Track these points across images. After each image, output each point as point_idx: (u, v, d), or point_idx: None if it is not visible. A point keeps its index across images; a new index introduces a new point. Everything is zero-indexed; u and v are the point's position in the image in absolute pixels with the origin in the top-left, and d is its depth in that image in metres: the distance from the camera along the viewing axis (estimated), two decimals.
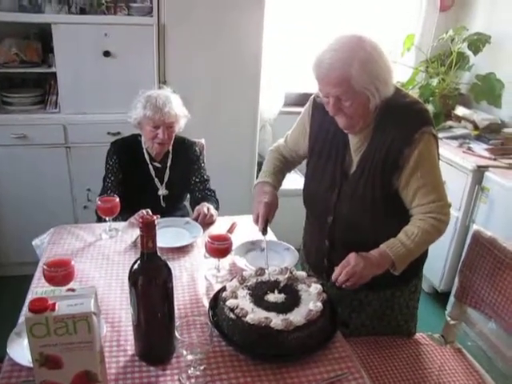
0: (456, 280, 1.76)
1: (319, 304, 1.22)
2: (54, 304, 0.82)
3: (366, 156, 1.42)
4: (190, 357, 1.06)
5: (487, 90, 3.02)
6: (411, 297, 1.66)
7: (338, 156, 1.49)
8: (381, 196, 1.42)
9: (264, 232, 1.50)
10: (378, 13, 3.27)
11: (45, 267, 1.29)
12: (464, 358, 1.67)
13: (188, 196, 2.28)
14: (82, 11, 2.54)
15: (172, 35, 2.64)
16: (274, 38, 3.10)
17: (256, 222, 1.51)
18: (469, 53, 3.13)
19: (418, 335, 1.74)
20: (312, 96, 1.56)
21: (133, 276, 1.06)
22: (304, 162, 1.67)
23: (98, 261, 1.56)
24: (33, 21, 2.50)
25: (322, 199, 1.53)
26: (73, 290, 0.85)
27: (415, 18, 3.30)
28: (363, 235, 1.44)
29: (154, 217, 1.02)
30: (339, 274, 1.30)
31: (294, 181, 3.21)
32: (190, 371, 1.10)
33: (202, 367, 1.12)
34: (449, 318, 1.75)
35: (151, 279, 1.06)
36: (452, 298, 1.78)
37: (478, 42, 2.95)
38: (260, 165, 3.16)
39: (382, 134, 1.39)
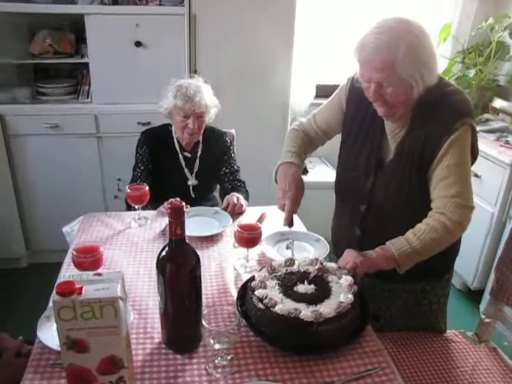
0: (491, 277, 1.69)
1: (350, 296, 1.18)
2: (80, 288, 0.81)
3: (404, 143, 1.37)
4: (217, 346, 1.05)
5: None
6: (442, 292, 1.61)
7: (375, 142, 1.43)
8: (417, 186, 1.36)
9: (290, 225, 1.44)
10: (413, 1, 3.16)
11: (74, 253, 1.31)
12: (499, 357, 1.60)
13: (218, 187, 2.28)
14: (115, 2, 2.56)
15: (203, 25, 2.63)
16: (306, 29, 3.04)
17: (282, 209, 1.44)
18: (509, 42, 3.00)
19: (451, 332, 1.68)
20: (350, 77, 1.49)
21: (160, 263, 1.05)
22: (328, 150, 1.60)
23: (127, 248, 1.57)
24: (66, 12, 2.53)
25: (355, 186, 1.48)
26: (100, 274, 0.84)
27: (452, 5, 3.17)
28: (396, 225, 1.37)
29: (183, 203, 1.00)
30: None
31: (326, 174, 3.18)
32: (216, 360, 1.10)
33: (229, 357, 1.11)
34: (483, 316, 1.68)
35: (179, 266, 1.05)
36: (487, 296, 1.71)
37: None
38: None
39: (422, 121, 1.33)
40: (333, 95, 1.59)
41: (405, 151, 1.36)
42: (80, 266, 1.29)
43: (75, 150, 2.72)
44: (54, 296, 0.81)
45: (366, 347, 1.18)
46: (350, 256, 1.32)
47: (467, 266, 2.65)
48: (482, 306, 1.72)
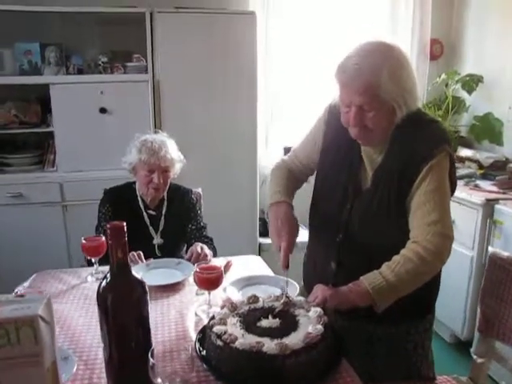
0: (477, 312, 1.59)
1: (319, 327, 1.07)
2: None
3: (382, 170, 1.32)
4: None
5: (487, 129, 3.01)
6: (426, 335, 1.48)
7: (352, 169, 1.38)
8: (395, 214, 1.29)
9: (287, 267, 1.32)
10: None
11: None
12: None
13: (185, 248, 2.17)
14: (79, 71, 2.62)
15: (167, 89, 2.70)
16: (270, 91, 3.15)
17: (278, 249, 1.34)
18: (464, 96, 3.16)
19: (442, 378, 1.54)
20: (327, 105, 1.46)
21: (101, 295, 0.93)
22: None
23: (80, 301, 1.45)
24: (32, 82, 2.58)
25: (331, 216, 1.40)
26: (22, 295, 0.73)
27: None
28: (374, 258, 1.27)
29: (124, 223, 0.92)
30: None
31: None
32: None
33: None
34: (475, 357, 1.55)
35: (122, 296, 0.93)
36: (476, 333, 1.59)
37: (471, 82, 2.97)
38: (262, 220, 3.12)
39: (400, 148, 1.29)
40: (311, 127, 1.55)
41: (382, 178, 1.31)
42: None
43: (40, 219, 2.63)
44: None
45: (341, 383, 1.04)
46: (319, 290, 1.23)
47: (454, 316, 2.53)
48: (474, 347, 1.58)
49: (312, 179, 1.56)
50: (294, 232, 1.36)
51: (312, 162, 1.53)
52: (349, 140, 1.35)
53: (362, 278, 1.20)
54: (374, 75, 1.17)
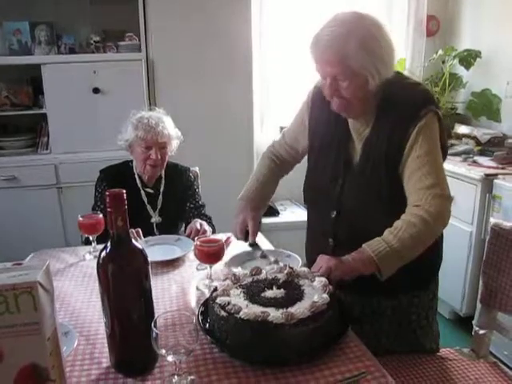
0: (480, 284, 1.58)
1: (325, 296, 1.05)
2: None
3: (370, 141, 1.31)
4: (170, 358, 0.89)
5: (484, 105, 2.97)
6: (430, 305, 1.47)
7: (341, 144, 1.38)
8: (388, 185, 1.28)
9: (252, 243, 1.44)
10: None
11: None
12: (502, 372, 1.45)
13: (183, 227, 2.15)
14: (71, 51, 2.56)
15: (161, 69, 2.65)
16: (267, 68, 3.10)
17: (239, 235, 1.46)
18: (461, 73, 3.12)
19: (445, 350, 1.53)
20: (310, 89, 1.48)
21: (101, 266, 0.90)
22: (298, 192, 1.57)
23: (79, 279, 1.43)
24: (22, 62, 2.51)
25: (324, 192, 1.40)
26: (19, 264, 0.70)
27: (404, 43, 3.32)
28: (370, 230, 1.26)
29: (124, 191, 0.89)
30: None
31: (298, 214, 3.10)
32: (174, 380, 0.92)
33: (190, 377, 0.94)
34: (477, 328, 1.54)
35: (123, 266, 0.90)
36: (478, 305, 1.59)
37: (469, 57, 2.94)
38: None
39: (385, 116, 1.28)
40: (297, 111, 1.56)
41: (372, 149, 1.30)
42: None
43: (35, 202, 2.59)
44: None
45: (349, 353, 1.03)
46: (322, 260, 1.21)
47: (453, 292, 2.53)
48: (475, 318, 1.58)
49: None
50: (258, 216, 1.48)
51: (300, 145, 1.55)
52: (335, 116, 1.35)
53: (364, 245, 1.19)
54: (342, 45, 1.18)
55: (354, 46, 1.17)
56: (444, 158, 1.33)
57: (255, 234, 1.44)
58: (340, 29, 1.19)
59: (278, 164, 1.61)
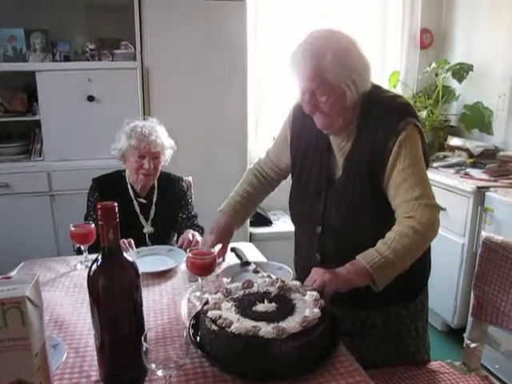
0: (471, 297, 1.59)
1: (316, 310, 1.05)
2: None
3: (351, 156, 1.32)
4: (160, 372, 0.88)
5: (477, 118, 3.01)
6: (419, 316, 1.48)
7: (323, 160, 1.39)
8: (371, 199, 1.30)
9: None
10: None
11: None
12: None
13: (176, 237, 2.14)
14: (66, 58, 2.56)
15: (156, 77, 2.65)
16: (261, 81, 3.12)
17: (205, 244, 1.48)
18: (454, 85, 3.16)
19: (436, 363, 1.53)
20: (292, 106, 1.50)
21: (92, 278, 0.90)
22: None
23: (70, 289, 1.41)
24: (17, 69, 2.51)
25: (308, 208, 1.41)
26: (9, 277, 0.70)
27: (397, 56, 3.36)
28: (356, 244, 1.26)
29: (115, 204, 0.89)
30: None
31: (290, 224, 3.09)
32: None
33: None
34: (469, 341, 1.54)
35: (113, 280, 0.90)
36: (469, 318, 1.59)
37: (462, 71, 2.97)
38: None
39: (365, 130, 1.30)
40: (280, 128, 1.58)
41: (353, 164, 1.31)
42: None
43: (27, 209, 2.57)
44: None
45: (339, 368, 1.02)
46: (317, 274, 1.20)
47: (445, 304, 2.54)
48: (467, 331, 1.58)
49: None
50: (226, 239, 1.53)
51: (283, 162, 1.57)
52: (316, 132, 1.37)
53: (358, 257, 1.19)
54: (318, 59, 1.21)
55: (329, 59, 1.20)
56: (426, 168, 1.34)
57: (213, 245, 1.46)
58: (316, 44, 1.24)
59: (262, 181, 1.63)
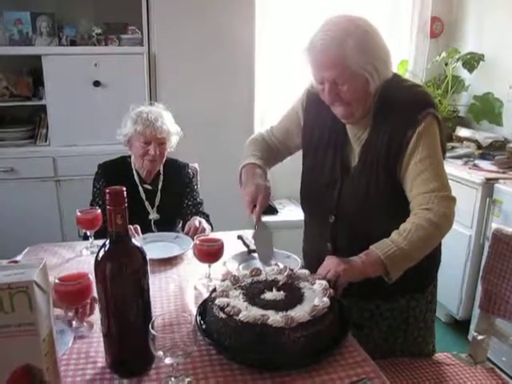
0: (479, 289, 1.57)
1: (325, 299, 1.03)
2: None
3: (368, 145, 1.29)
4: (167, 360, 0.87)
5: (486, 109, 2.96)
6: (428, 307, 1.47)
7: (337, 148, 1.36)
8: (386, 190, 1.27)
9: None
10: None
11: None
12: (499, 378, 1.44)
13: (181, 224, 2.13)
14: (72, 43, 2.53)
15: (163, 63, 2.63)
16: (268, 67, 3.08)
17: (249, 206, 1.32)
18: (463, 75, 3.11)
19: (442, 355, 1.52)
20: (305, 89, 1.45)
21: (98, 265, 0.89)
22: (296, 191, 1.51)
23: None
24: (23, 53, 2.49)
25: (321, 197, 1.38)
26: (15, 261, 0.68)
27: (406, 45, 3.31)
28: (370, 234, 1.24)
29: (124, 188, 0.87)
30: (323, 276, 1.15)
31: (296, 213, 3.08)
32: (170, 382, 0.91)
33: (187, 379, 0.93)
34: (475, 334, 1.53)
35: (121, 266, 0.88)
36: (477, 310, 1.58)
37: (472, 60, 2.92)
38: None
39: (384, 119, 1.27)
40: (290, 107, 1.52)
41: (370, 154, 1.29)
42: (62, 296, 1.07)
43: (32, 194, 2.57)
44: None
45: (348, 358, 1.01)
46: (331, 264, 1.17)
47: (450, 296, 2.52)
48: (474, 323, 1.57)
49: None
50: (268, 194, 1.36)
51: (291, 141, 1.51)
52: (331, 120, 1.33)
53: (372, 247, 1.17)
54: (338, 47, 1.16)
55: (351, 46, 1.15)
56: (443, 159, 1.31)
57: (260, 211, 1.33)
58: (335, 31, 1.18)
59: (268, 148, 1.54)
